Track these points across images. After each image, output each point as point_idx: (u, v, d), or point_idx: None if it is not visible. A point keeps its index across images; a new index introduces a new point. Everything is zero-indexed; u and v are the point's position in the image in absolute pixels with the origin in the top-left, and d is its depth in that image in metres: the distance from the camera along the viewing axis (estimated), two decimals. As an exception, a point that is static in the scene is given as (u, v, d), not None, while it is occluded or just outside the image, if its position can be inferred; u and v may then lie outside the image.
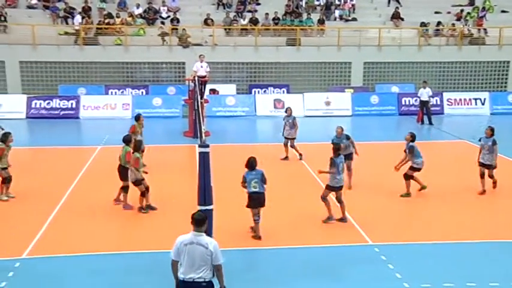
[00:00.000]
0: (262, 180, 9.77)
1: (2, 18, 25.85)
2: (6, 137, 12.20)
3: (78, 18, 26.08)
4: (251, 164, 9.80)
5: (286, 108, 15.74)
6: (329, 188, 10.71)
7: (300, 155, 15.45)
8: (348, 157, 12.57)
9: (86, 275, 8.49)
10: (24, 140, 20.17)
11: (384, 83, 26.79)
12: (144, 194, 11.25)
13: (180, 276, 6.16)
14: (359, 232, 10.33)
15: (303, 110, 23.78)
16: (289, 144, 15.50)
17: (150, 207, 11.34)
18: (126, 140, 11.66)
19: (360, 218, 10.97)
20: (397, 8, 28.84)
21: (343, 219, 10.78)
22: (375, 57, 26.72)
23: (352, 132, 15.12)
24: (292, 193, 12.58)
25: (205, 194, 8.16)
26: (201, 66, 20.31)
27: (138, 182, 11.16)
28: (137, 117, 14.45)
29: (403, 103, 24.46)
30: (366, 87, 26.65)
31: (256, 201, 9.79)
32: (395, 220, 11.40)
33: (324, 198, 10.73)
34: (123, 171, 11.50)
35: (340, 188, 10.72)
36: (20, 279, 8.32)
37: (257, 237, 9.94)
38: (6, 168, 12.04)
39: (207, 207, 8.17)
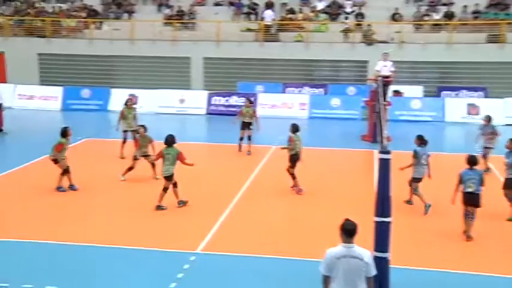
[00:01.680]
0: (480, 181, 9.98)
1: (191, 16, 28.43)
2: (66, 132, 13.20)
3: (269, 13, 27.26)
4: (472, 161, 10.07)
5: (485, 117, 15.05)
6: None
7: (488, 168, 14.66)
8: None
9: (257, 277, 8.79)
10: (204, 135, 22.00)
11: None
12: (167, 189, 11.69)
13: None
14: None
15: (502, 117, 21.95)
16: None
17: (182, 203, 11.97)
18: (295, 129, 12.97)
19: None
20: None
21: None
22: None
23: None
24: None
25: (383, 204, 7.97)
26: (385, 66, 19.88)
27: (171, 178, 11.63)
28: None
29: None
30: None
31: (468, 201, 10.07)
32: None
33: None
34: (292, 159, 12.76)
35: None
36: (195, 272, 8.90)
37: (469, 237, 10.09)
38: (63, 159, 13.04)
39: (385, 219, 7.98)
